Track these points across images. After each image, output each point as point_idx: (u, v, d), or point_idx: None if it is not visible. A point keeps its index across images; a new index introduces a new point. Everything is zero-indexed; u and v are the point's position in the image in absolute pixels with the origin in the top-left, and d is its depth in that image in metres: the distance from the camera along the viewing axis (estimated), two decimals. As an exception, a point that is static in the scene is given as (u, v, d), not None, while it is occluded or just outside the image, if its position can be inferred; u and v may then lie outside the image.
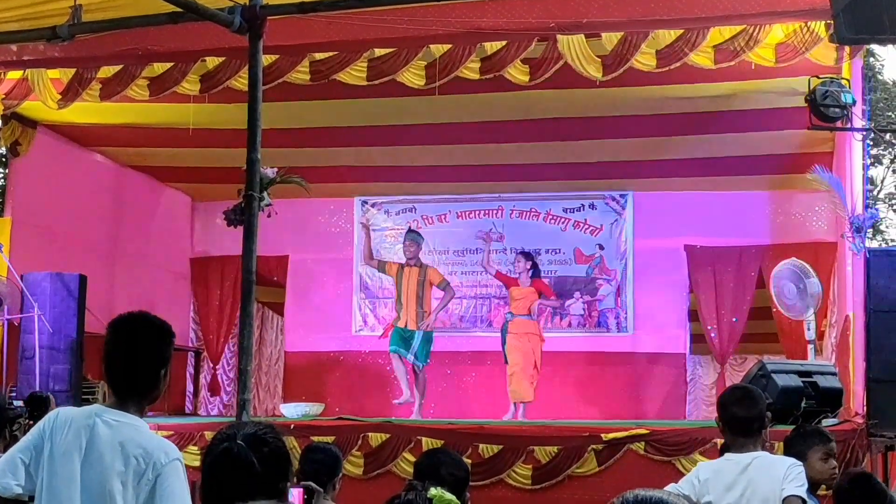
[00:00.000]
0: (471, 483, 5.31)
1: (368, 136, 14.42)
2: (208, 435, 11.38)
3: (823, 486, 5.78)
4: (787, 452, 5.59)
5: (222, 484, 3.28)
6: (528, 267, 14.49)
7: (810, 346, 12.93)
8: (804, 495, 5.16)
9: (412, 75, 11.42)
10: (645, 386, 16.03)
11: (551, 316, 16.44)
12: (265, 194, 7.86)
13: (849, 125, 10.78)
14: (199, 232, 17.81)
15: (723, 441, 6.26)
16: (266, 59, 9.35)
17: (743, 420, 5.39)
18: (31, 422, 8.51)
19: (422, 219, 17.05)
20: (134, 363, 4.16)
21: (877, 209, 17.70)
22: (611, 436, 10.58)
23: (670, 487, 5.27)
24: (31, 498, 4.15)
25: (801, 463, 5.28)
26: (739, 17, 10.21)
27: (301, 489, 4.25)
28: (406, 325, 14.17)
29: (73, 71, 11.85)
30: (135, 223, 16.19)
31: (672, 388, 16.14)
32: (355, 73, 11.44)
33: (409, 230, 15.28)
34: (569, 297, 16.57)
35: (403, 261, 14.64)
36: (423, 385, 14.17)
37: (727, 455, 5.42)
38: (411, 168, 15.89)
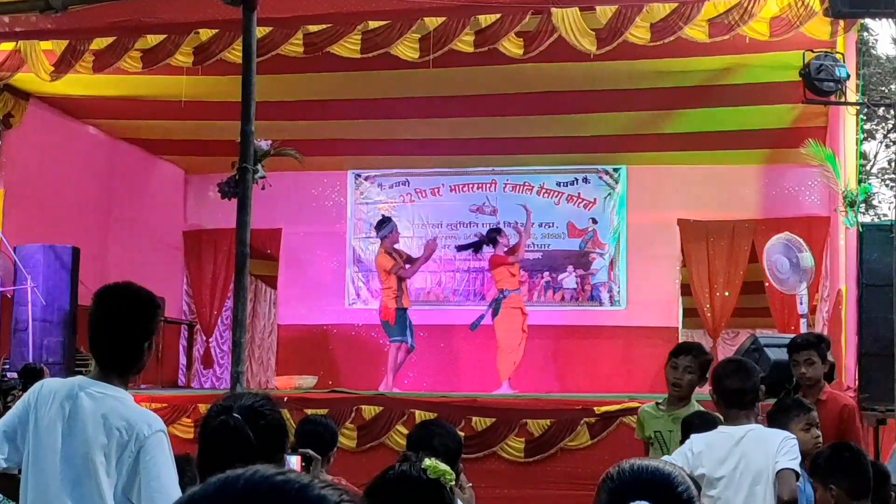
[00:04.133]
0: (464, 456, 5.33)
1: (362, 109, 14.41)
2: (202, 407, 11.41)
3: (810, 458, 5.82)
4: (770, 427, 5.62)
5: (219, 455, 3.28)
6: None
7: (803, 320, 12.98)
8: (797, 468, 5.19)
9: (406, 48, 11.40)
10: (637, 359, 16.05)
11: (544, 289, 16.47)
12: (259, 167, 7.84)
13: (843, 99, 10.79)
14: (191, 205, 17.79)
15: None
16: (260, 32, 9.32)
17: (736, 392, 5.42)
18: (25, 394, 8.54)
19: (415, 192, 17.05)
20: (117, 335, 4.13)
21: (870, 184, 17.74)
22: (603, 409, 10.63)
23: (664, 459, 5.30)
24: (21, 471, 4.14)
25: (794, 436, 5.31)
26: (734, -10, 10.21)
27: (299, 456, 4.25)
28: (406, 307, 14.15)
29: (65, 43, 11.82)
30: (128, 196, 16.17)
31: (665, 361, 16.14)
32: (349, 46, 11.42)
33: (390, 219, 15.05)
34: (562, 271, 16.59)
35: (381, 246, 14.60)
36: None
37: (720, 427, 5.45)
38: (405, 141, 15.87)
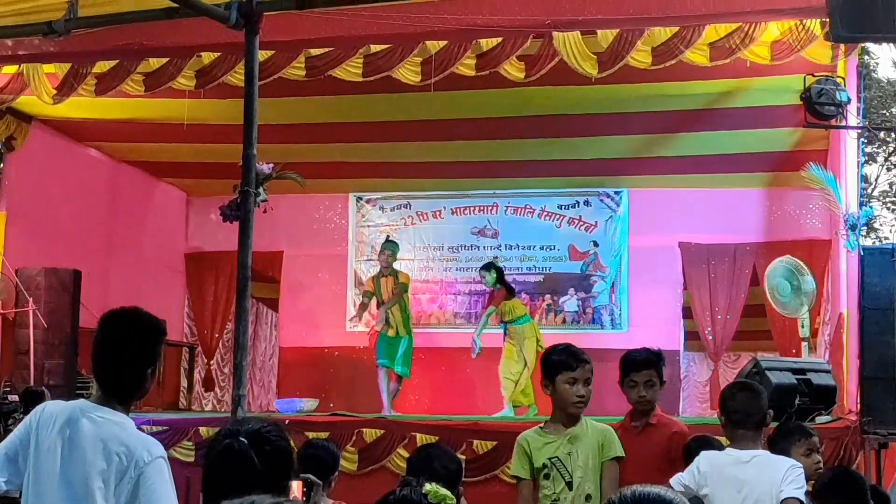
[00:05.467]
0: (465, 479, 5.32)
1: (364, 132, 14.43)
2: (202, 430, 11.40)
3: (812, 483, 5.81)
4: (771, 451, 5.62)
5: (222, 479, 3.27)
6: (494, 280, 14.46)
7: (804, 344, 12.97)
8: (803, 497, 5.18)
9: (407, 71, 11.41)
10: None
11: (546, 312, 16.46)
12: (261, 190, 7.85)
13: (844, 123, 10.81)
14: (193, 227, 17.80)
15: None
16: (262, 55, 9.34)
17: (744, 415, 5.42)
18: (26, 417, 8.52)
19: (416, 214, 17.06)
20: (120, 360, 4.11)
21: (871, 207, 17.72)
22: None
23: (676, 477, 5.36)
24: (21, 494, 4.13)
25: (800, 465, 5.30)
26: (735, 14, 10.23)
27: (300, 481, 4.24)
28: (394, 334, 14.17)
29: (68, 66, 11.84)
30: (129, 218, 16.18)
31: (666, 384, 16.11)
32: (351, 69, 11.43)
33: (389, 240, 15.20)
34: (563, 294, 16.58)
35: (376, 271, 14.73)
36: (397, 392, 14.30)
37: (728, 449, 5.46)
38: (406, 164, 15.89)
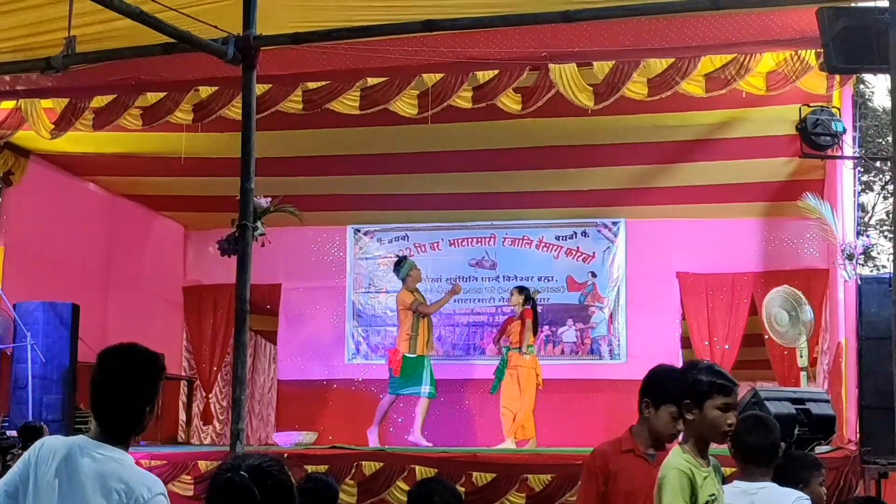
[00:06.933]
0: (465, 512, 5.31)
1: (361, 165, 14.47)
2: (201, 464, 11.38)
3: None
4: (785, 481, 5.60)
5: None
6: (522, 301, 14.48)
7: (803, 373, 12.94)
8: (807, 531, 5.16)
9: (405, 104, 11.46)
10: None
11: (544, 343, 16.44)
12: (259, 224, 7.87)
13: (840, 153, 10.84)
14: (191, 260, 17.80)
15: None
16: (259, 89, 9.37)
17: (755, 448, 5.41)
18: (25, 452, 8.48)
19: (414, 247, 17.05)
20: (119, 398, 4.07)
21: (868, 236, 17.74)
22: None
23: None
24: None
25: (808, 498, 5.28)
26: (730, 45, 10.27)
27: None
28: (421, 352, 14.06)
29: (66, 101, 11.88)
30: (128, 252, 16.18)
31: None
32: (348, 103, 11.48)
33: (406, 258, 15.05)
34: (561, 325, 16.56)
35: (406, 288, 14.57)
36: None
37: (735, 482, 5.44)
38: (404, 196, 15.91)
